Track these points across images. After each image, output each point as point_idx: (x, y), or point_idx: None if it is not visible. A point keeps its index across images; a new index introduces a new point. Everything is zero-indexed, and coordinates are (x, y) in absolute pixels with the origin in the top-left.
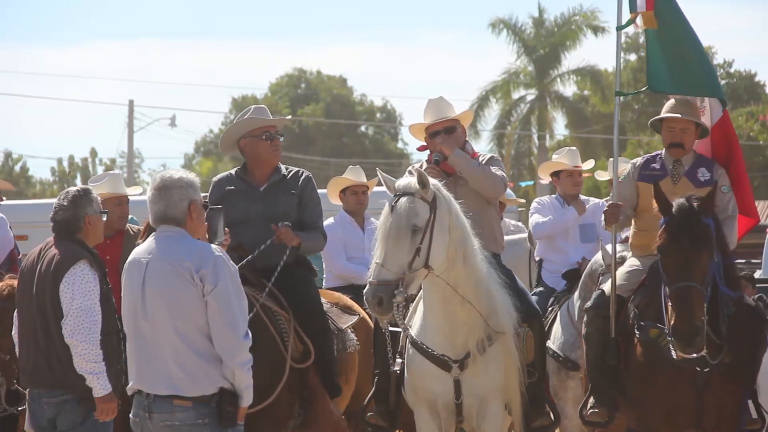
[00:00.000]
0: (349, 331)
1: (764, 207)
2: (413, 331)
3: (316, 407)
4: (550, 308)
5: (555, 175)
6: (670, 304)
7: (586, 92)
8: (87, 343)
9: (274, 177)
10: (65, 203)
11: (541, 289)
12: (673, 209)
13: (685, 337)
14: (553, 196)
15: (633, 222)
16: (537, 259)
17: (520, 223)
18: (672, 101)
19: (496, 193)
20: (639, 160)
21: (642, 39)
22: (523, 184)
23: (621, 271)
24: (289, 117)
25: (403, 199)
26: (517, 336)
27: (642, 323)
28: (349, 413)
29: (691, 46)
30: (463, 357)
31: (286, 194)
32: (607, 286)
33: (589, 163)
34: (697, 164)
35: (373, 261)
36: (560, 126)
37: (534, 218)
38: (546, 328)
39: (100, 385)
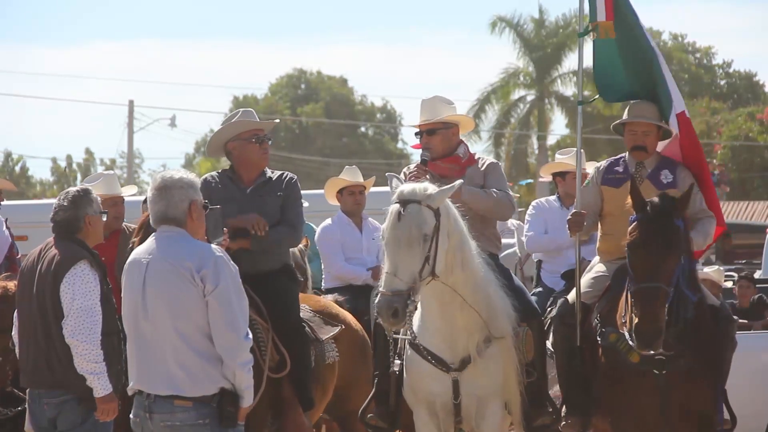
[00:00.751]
0: (329, 342)
1: (764, 207)
2: (410, 331)
3: (288, 419)
4: (549, 308)
5: (559, 175)
6: (632, 302)
7: (586, 92)
8: (87, 344)
9: (260, 179)
10: (65, 203)
11: (540, 289)
12: (648, 208)
13: (647, 337)
14: (552, 198)
15: (599, 226)
16: (535, 260)
17: (520, 222)
18: (633, 104)
19: (507, 218)
20: (602, 164)
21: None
22: (523, 183)
23: (586, 278)
24: (278, 120)
25: (412, 207)
26: (516, 336)
27: (603, 329)
28: (337, 417)
29: (648, 63)
30: (462, 359)
31: (272, 196)
32: (571, 294)
33: (592, 165)
34: (660, 166)
35: (384, 271)
36: (560, 126)
37: (527, 230)
38: (546, 328)
39: (100, 386)
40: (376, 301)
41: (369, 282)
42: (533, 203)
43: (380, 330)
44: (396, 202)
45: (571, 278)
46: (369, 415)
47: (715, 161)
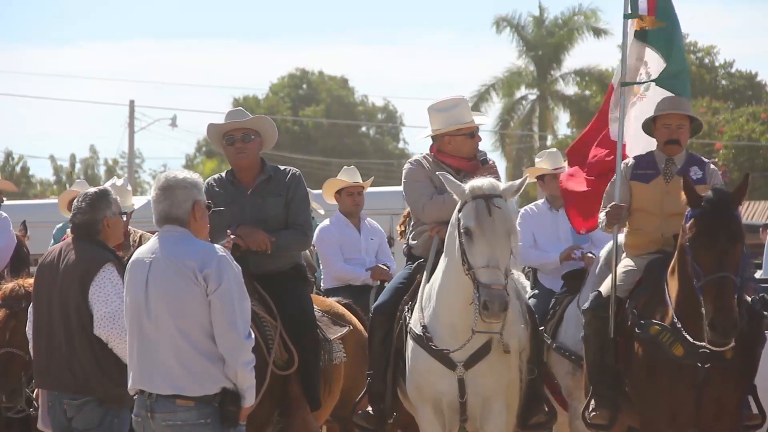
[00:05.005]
0: (337, 342)
1: (765, 208)
2: (417, 328)
3: (295, 417)
4: (551, 310)
5: (540, 178)
6: (702, 297)
7: (587, 92)
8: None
9: (260, 178)
10: (83, 205)
11: (537, 291)
12: (707, 202)
13: (725, 329)
14: (540, 202)
15: (627, 222)
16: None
17: None
18: (662, 99)
19: None
20: (631, 161)
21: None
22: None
23: (617, 272)
24: (260, 115)
25: (499, 201)
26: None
27: (642, 321)
28: (339, 419)
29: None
30: (470, 357)
31: (273, 196)
32: (604, 287)
33: None
34: (689, 163)
35: (483, 265)
36: (563, 125)
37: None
38: (553, 330)
39: None
40: (485, 295)
41: (368, 282)
42: (522, 211)
43: (377, 329)
44: (477, 197)
45: (570, 279)
46: (356, 415)
47: (718, 161)
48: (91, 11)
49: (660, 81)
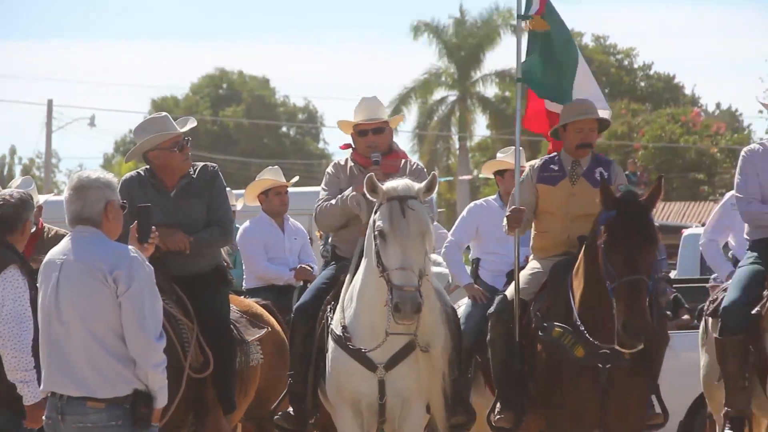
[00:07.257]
0: (254, 344)
1: (681, 208)
2: (338, 329)
3: (208, 421)
4: None
5: (499, 174)
6: (615, 298)
7: (507, 93)
8: (17, 351)
9: (183, 181)
10: (12, 200)
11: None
12: (622, 204)
13: (637, 332)
14: (492, 198)
15: (533, 225)
16: (471, 258)
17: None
18: (574, 102)
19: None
20: (537, 162)
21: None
22: (442, 180)
23: (523, 274)
24: (195, 123)
25: (414, 203)
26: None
27: (545, 324)
28: (254, 419)
29: (567, 56)
30: (390, 358)
31: (197, 197)
32: (509, 291)
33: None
34: (595, 164)
35: (396, 267)
36: (481, 127)
37: (451, 233)
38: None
39: (30, 393)
40: (396, 297)
41: (291, 282)
42: (470, 205)
43: (298, 329)
44: (391, 199)
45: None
46: (276, 417)
47: (637, 162)
48: (7, 10)
49: (541, 92)
